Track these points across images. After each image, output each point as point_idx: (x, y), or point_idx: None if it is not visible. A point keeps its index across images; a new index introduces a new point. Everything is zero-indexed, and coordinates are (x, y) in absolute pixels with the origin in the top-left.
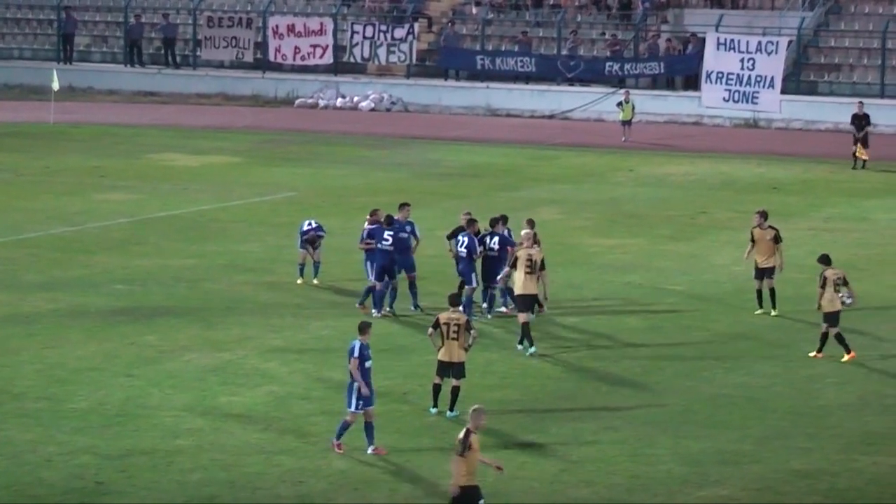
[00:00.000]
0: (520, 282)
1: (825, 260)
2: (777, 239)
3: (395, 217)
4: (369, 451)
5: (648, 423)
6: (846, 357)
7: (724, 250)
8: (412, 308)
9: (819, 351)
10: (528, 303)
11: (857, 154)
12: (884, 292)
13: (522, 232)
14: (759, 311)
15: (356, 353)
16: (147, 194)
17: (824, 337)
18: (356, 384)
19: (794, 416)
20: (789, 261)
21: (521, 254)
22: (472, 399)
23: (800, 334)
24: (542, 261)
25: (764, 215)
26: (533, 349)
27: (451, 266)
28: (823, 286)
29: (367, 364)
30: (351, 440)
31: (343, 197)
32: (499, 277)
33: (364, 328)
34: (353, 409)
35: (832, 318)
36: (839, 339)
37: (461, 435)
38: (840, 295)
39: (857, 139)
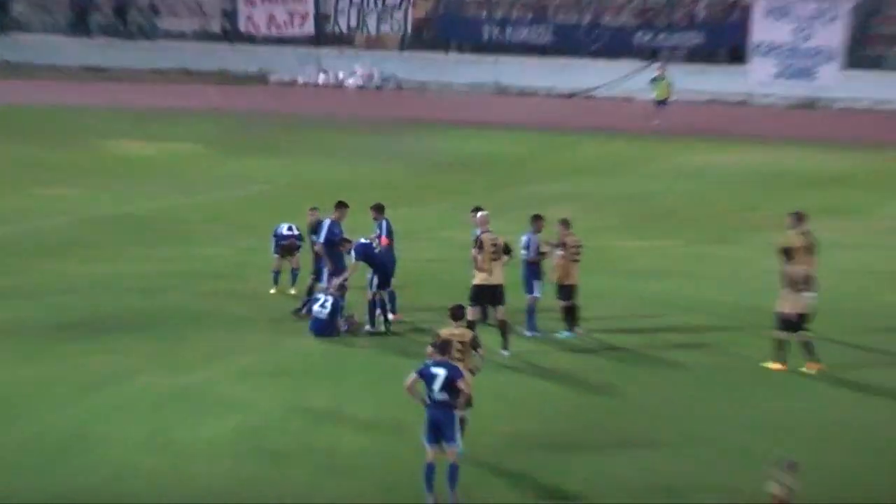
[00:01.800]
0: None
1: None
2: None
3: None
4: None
5: (694, 462)
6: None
7: (775, 255)
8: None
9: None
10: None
11: None
12: None
13: (479, 214)
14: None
15: (460, 373)
16: (96, 189)
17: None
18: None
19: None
20: (838, 265)
21: (486, 238)
22: (479, 431)
23: (856, 353)
24: (507, 245)
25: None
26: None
27: (448, 272)
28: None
29: None
30: (336, 479)
31: (325, 193)
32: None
33: (445, 348)
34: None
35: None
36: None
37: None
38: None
39: None
